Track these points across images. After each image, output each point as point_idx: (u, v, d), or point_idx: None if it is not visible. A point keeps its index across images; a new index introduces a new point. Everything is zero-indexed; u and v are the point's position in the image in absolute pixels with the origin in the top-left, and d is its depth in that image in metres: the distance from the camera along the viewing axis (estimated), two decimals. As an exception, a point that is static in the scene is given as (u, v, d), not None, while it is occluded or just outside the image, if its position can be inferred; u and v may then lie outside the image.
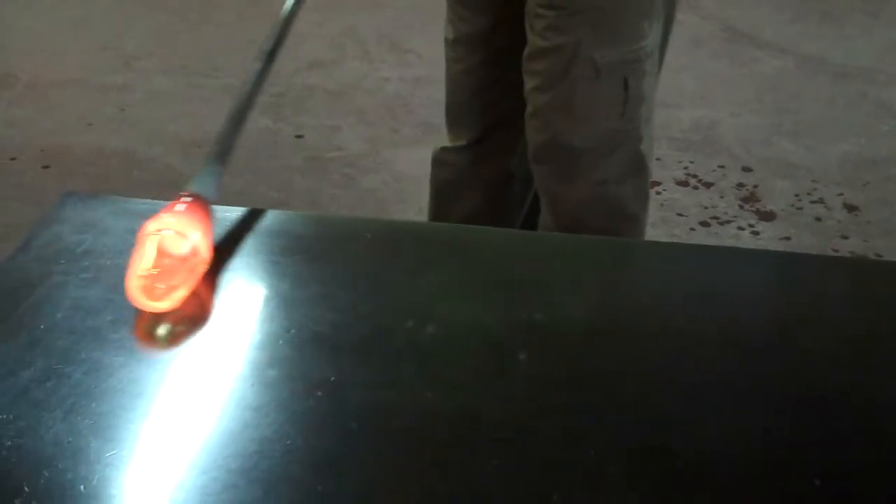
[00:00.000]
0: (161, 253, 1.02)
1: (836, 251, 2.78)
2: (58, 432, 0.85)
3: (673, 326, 1.06)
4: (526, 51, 1.81)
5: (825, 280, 1.18)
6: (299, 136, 3.29)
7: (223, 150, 1.15)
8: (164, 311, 0.99)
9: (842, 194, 3.05)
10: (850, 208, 2.99)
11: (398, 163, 3.15)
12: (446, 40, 1.99)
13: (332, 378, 0.94)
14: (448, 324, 1.04)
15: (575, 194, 1.87)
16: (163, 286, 1.00)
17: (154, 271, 1.00)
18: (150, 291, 0.99)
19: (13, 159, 3.13)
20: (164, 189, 2.92)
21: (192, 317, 1.01)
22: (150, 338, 0.98)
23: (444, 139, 2.08)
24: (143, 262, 1.00)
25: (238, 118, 1.18)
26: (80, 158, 3.15)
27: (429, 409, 0.92)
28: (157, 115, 3.41)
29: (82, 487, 0.80)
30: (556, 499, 0.82)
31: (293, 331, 1.00)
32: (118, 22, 4.12)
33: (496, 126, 2.00)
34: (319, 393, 0.92)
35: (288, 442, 0.86)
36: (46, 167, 3.09)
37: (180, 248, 1.02)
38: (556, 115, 1.81)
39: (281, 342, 0.98)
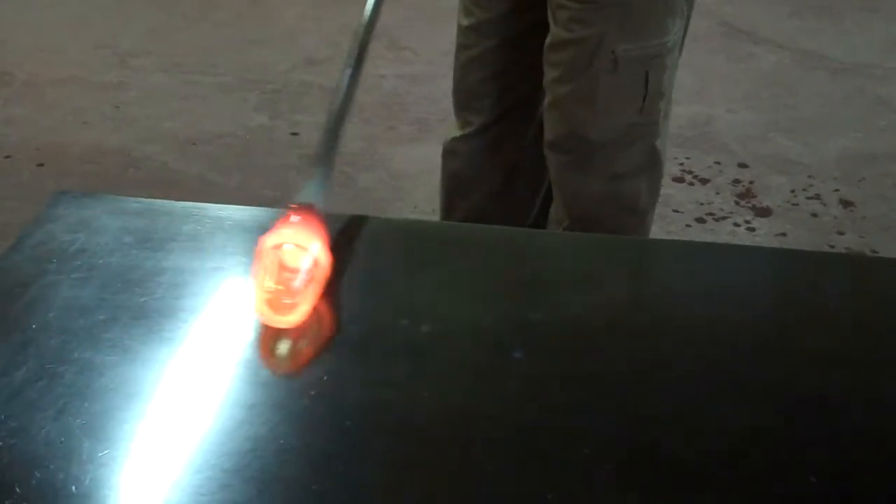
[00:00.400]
0: (281, 267, 1.00)
1: (832, 247, 2.78)
2: (50, 432, 0.84)
3: (668, 324, 1.06)
4: (547, 41, 1.81)
5: (821, 277, 1.18)
6: (295, 134, 3.28)
7: (326, 158, 1.14)
8: (291, 325, 0.98)
9: (838, 190, 3.05)
10: (847, 204, 2.99)
11: (395, 160, 3.15)
12: (459, 27, 1.99)
13: (326, 377, 0.93)
14: (444, 322, 1.04)
15: (589, 187, 1.87)
16: (288, 300, 0.98)
17: (278, 287, 0.98)
18: (275, 306, 0.98)
19: (8, 157, 3.13)
20: (160, 187, 2.93)
21: (312, 330, 1.00)
22: (275, 354, 0.98)
23: (453, 129, 2.07)
24: (266, 278, 0.98)
25: (336, 125, 1.17)
26: (75, 157, 3.14)
27: (424, 407, 0.92)
28: (154, 113, 3.40)
29: (74, 488, 0.79)
30: (551, 498, 0.82)
31: (287, 329, 0.99)
32: (116, 20, 4.11)
33: (508, 112, 2.00)
34: (314, 392, 0.92)
35: (282, 441, 0.86)
36: (41, 165, 3.08)
37: (301, 260, 1.00)
38: (577, 106, 1.81)
39: (275, 341, 0.98)
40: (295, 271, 0.99)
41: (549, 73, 1.82)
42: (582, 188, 1.87)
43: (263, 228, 1.18)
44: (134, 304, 1.01)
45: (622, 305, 1.10)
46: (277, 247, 1.00)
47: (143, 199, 1.20)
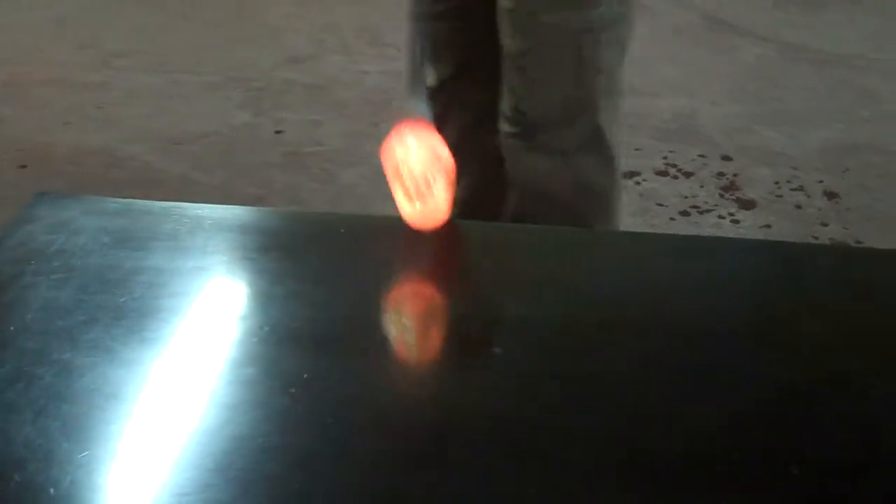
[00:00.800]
0: (412, 169, 1.07)
1: (817, 238, 2.78)
2: (28, 435, 0.84)
3: (652, 317, 1.06)
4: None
5: (806, 268, 1.18)
6: (279, 132, 3.27)
7: (419, 83, 1.20)
8: (446, 215, 1.06)
9: (822, 181, 3.06)
10: (831, 195, 2.99)
11: (378, 157, 3.14)
12: None
13: (307, 375, 0.93)
14: (424, 318, 1.03)
15: (537, 164, 1.88)
16: (429, 195, 1.06)
17: (420, 181, 1.06)
18: (422, 200, 1.06)
19: (-9, 159, 3.11)
20: (143, 187, 2.91)
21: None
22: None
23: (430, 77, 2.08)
24: (405, 177, 1.07)
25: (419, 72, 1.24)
26: (58, 157, 3.13)
27: (405, 405, 0.92)
28: (137, 113, 3.38)
29: (53, 490, 0.79)
30: (532, 492, 0.81)
31: (268, 328, 0.99)
32: (107, 20, 4.09)
33: (468, 72, 1.99)
34: (295, 390, 0.91)
35: (263, 440, 0.85)
36: (24, 167, 3.07)
37: (428, 158, 1.07)
38: (515, 78, 1.83)
39: (256, 339, 0.98)
40: (427, 165, 1.07)
41: (503, 49, 1.84)
42: (530, 165, 1.89)
43: (243, 227, 1.18)
44: (113, 305, 1.00)
45: (608, 300, 1.10)
46: (406, 152, 1.08)
47: (123, 200, 1.19)
